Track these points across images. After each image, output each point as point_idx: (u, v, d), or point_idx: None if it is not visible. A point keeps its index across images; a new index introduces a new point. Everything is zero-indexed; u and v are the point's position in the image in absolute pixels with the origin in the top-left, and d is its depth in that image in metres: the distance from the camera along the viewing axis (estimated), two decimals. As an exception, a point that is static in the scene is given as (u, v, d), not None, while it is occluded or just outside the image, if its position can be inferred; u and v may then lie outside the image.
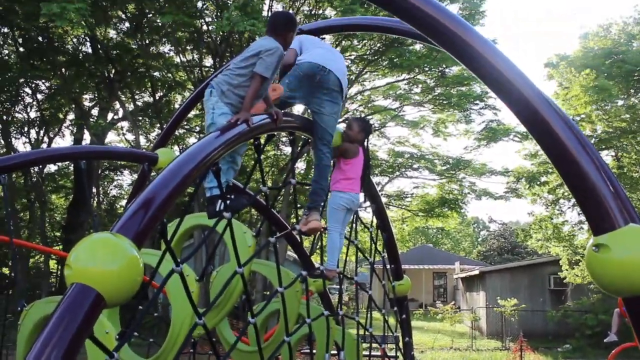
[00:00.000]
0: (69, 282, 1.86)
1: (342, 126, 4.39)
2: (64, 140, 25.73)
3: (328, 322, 4.29)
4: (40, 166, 22.51)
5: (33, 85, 22.36)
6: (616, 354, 9.97)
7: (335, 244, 4.05)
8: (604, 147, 21.56)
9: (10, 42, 21.21)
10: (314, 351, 4.85)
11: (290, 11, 19.28)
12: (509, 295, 22.11)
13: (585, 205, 2.19)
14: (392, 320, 5.88)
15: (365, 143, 4.49)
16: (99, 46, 20.40)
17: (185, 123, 24.07)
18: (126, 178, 28.97)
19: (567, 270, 20.45)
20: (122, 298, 1.92)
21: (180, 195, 2.48)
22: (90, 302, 1.82)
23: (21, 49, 20.89)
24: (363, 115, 23.71)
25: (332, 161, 4.13)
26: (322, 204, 4.00)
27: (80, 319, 1.77)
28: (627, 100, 21.03)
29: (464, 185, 24.77)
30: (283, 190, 16.20)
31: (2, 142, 23.65)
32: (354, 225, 4.73)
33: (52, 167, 25.89)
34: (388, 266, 5.81)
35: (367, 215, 17.75)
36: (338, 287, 5.65)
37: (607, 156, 23.33)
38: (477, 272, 26.06)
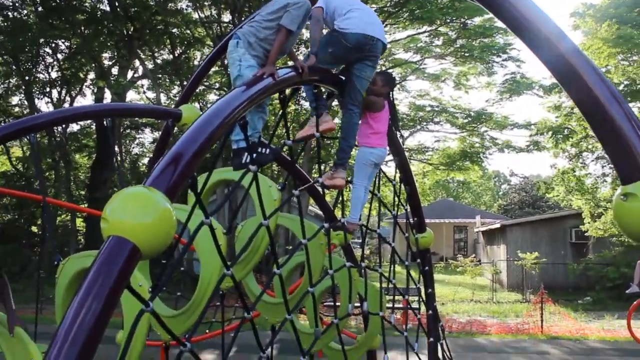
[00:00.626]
0: (105, 235, 1.92)
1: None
2: (85, 100, 25.93)
3: (350, 274, 4.35)
4: (64, 125, 22.74)
5: (53, 45, 22.42)
6: (638, 305, 10.00)
7: (360, 198, 4.09)
8: (629, 99, 21.09)
9: (29, 2, 21.19)
10: (338, 304, 4.95)
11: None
12: (530, 248, 22.13)
13: (614, 153, 2.17)
14: (414, 273, 5.95)
15: (391, 97, 4.48)
16: (117, 4, 20.30)
17: (205, 80, 24.09)
18: (147, 136, 29.21)
19: (589, 223, 20.36)
20: (157, 249, 1.97)
21: (208, 150, 2.51)
22: (126, 254, 1.87)
23: (40, 9, 20.87)
24: (384, 68, 23.48)
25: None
26: (349, 160, 4.04)
27: (118, 270, 1.83)
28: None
29: (486, 138, 24.57)
30: (304, 144, 16.21)
31: (26, 102, 23.89)
32: (377, 178, 4.74)
33: (74, 127, 26.18)
34: (411, 219, 5.85)
35: (388, 169, 17.76)
36: (360, 241, 5.74)
37: (633, 108, 22.88)
38: (498, 225, 26.07)
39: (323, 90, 4.04)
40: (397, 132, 4.99)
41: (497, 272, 23.92)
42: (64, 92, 24.62)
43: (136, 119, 24.36)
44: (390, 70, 23.23)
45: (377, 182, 4.70)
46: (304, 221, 3.80)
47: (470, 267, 23.35)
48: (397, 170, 5.36)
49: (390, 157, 5.30)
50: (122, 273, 1.85)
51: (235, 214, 3.72)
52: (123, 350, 2.20)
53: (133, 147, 30.74)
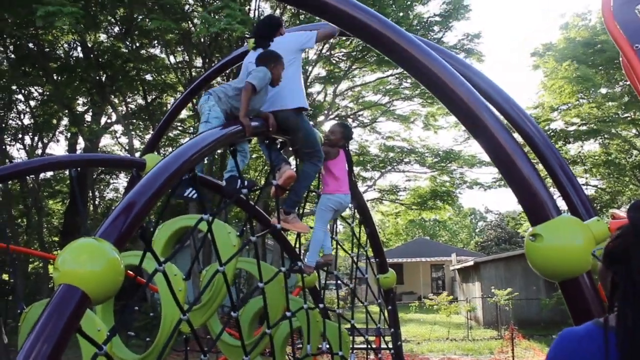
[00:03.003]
0: (56, 284, 2.09)
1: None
2: (58, 146, 26.03)
3: (308, 315, 4.50)
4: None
5: (25, 92, 22.49)
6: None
7: (319, 242, 4.28)
8: (589, 136, 21.85)
9: (1, 49, 21.35)
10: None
11: (277, 11, 19.49)
12: (504, 285, 22.39)
13: (522, 198, 2.42)
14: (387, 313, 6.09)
15: (346, 146, 4.73)
16: (90, 51, 20.56)
17: (179, 124, 24.33)
18: (122, 181, 29.15)
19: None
20: (105, 296, 2.14)
21: (158, 200, 2.70)
22: (76, 300, 2.04)
23: (12, 56, 21.03)
24: (354, 110, 23.96)
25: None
26: (299, 205, 4.27)
27: (68, 315, 2.00)
28: (610, 87, 21.32)
29: (455, 177, 25.04)
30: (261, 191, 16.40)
31: (-3, 149, 23.80)
32: (335, 223, 4.95)
33: (48, 173, 26.03)
34: (372, 260, 6.04)
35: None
36: (337, 284, 5.90)
37: (594, 143, 23.63)
38: (471, 263, 26.34)
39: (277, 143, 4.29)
40: (354, 178, 5.23)
41: (472, 309, 24.06)
42: (36, 138, 24.59)
43: (109, 164, 24.30)
44: (360, 113, 23.75)
45: (334, 226, 4.91)
46: (260, 265, 3.96)
47: (444, 305, 23.45)
48: (356, 213, 5.58)
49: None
50: (72, 318, 2.02)
51: (194, 260, 3.87)
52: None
53: (107, 193, 30.65)
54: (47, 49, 20.52)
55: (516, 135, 3.79)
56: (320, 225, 4.35)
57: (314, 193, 4.84)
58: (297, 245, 4.62)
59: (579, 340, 1.69)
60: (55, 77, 20.74)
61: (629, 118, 21.55)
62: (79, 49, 21.53)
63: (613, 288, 1.71)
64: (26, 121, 24.29)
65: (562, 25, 22.16)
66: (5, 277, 26.99)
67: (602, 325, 1.67)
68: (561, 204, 3.58)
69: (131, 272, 5.89)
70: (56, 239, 28.18)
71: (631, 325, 1.58)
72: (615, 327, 1.63)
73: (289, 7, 18.72)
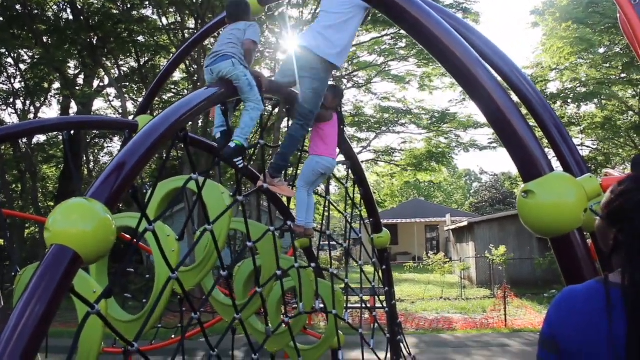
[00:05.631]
0: (48, 244, 2.08)
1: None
2: (50, 110, 25.82)
3: (299, 274, 4.53)
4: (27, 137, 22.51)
5: (15, 55, 22.18)
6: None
7: (304, 201, 4.26)
8: (586, 98, 21.76)
9: (-11, 11, 20.98)
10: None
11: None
12: (497, 245, 22.60)
13: (515, 154, 2.40)
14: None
15: (339, 108, 4.68)
16: (80, 12, 20.21)
17: (172, 87, 24.13)
18: (116, 145, 29.04)
19: (553, 217, 20.76)
20: (97, 256, 2.14)
21: (149, 160, 2.68)
22: (68, 260, 2.04)
23: (0, 18, 20.67)
24: (349, 71, 23.75)
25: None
26: (284, 169, 4.25)
27: (60, 275, 1.99)
28: (608, 49, 21.14)
29: (451, 138, 25.02)
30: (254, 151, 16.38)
31: (-11, 113, 23.63)
32: (328, 182, 4.94)
33: (41, 138, 25.91)
34: (367, 220, 6.05)
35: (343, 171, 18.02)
36: (329, 244, 5.93)
37: (591, 105, 23.56)
38: (466, 223, 26.53)
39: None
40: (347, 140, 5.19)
41: (466, 269, 24.35)
42: (28, 102, 24.36)
43: (103, 127, 24.15)
44: (355, 73, 23.54)
45: (327, 184, 4.90)
46: (249, 224, 3.97)
47: (439, 265, 23.71)
48: (350, 172, 5.57)
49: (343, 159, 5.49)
50: (64, 277, 2.02)
51: (187, 220, 3.86)
52: (70, 351, 2.34)
53: (103, 156, 30.58)
54: (36, 11, 20.15)
55: (512, 95, 3.76)
56: (303, 185, 4.32)
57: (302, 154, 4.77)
58: (288, 206, 4.61)
59: (579, 297, 1.69)
60: (45, 40, 20.43)
61: (626, 79, 21.46)
62: (69, 10, 21.17)
63: (615, 246, 1.70)
64: (17, 85, 24.07)
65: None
66: (0, 242, 27.12)
67: (603, 282, 1.66)
68: (556, 165, 3.57)
69: (127, 235, 5.91)
70: (51, 203, 28.18)
71: (638, 282, 1.57)
72: (620, 283, 1.62)
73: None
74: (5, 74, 23.51)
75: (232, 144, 3.62)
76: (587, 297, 1.67)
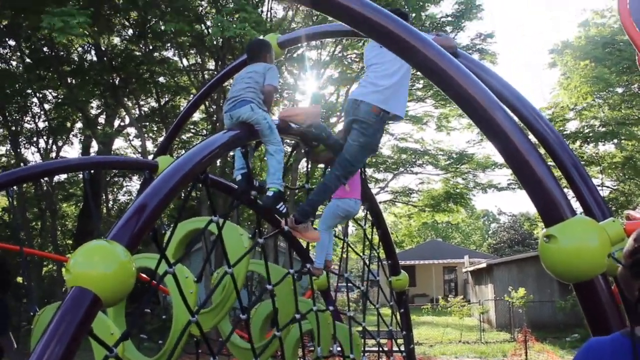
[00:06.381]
0: (69, 286, 2.09)
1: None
2: (72, 149, 26.32)
3: (317, 317, 4.49)
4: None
5: (40, 95, 22.71)
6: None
7: (325, 244, 4.24)
8: (606, 138, 21.66)
9: (16, 53, 21.57)
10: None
11: (289, 12, 19.52)
12: (516, 287, 22.21)
13: (536, 198, 2.38)
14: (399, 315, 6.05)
15: None
16: (104, 54, 20.72)
17: (192, 127, 24.46)
18: (135, 184, 29.36)
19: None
20: (117, 298, 2.14)
21: (170, 202, 2.70)
22: (88, 302, 2.04)
23: (27, 60, 21.24)
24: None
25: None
26: (312, 216, 4.18)
27: (80, 317, 2.00)
28: (627, 89, 21.13)
29: (469, 179, 24.93)
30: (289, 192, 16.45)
31: (12, 152, 24.04)
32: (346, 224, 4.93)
33: (62, 176, 26.28)
34: (385, 262, 6.00)
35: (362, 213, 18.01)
36: (347, 286, 5.87)
37: (610, 144, 23.42)
38: (484, 265, 26.18)
39: None
40: (364, 177, 5.17)
41: (485, 312, 23.93)
42: (50, 141, 24.81)
43: (123, 167, 24.46)
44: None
45: (345, 226, 4.89)
46: (269, 267, 3.95)
47: (457, 307, 23.33)
48: (369, 214, 5.55)
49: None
50: (84, 320, 2.02)
51: (205, 262, 3.86)
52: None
53: (121, 195, 30.87)
54: (62, 53, 20.71)
55: (530, 136, 3.76)
56: (325, 228, 4.28)
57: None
58: (307, 247, 4.59)
59: (605, 351, 1.64)
60: (69, 80, 20.92)
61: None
62: (93, 52, 21.71)
63: None
64: (41, 124, 24.55)
65: (581, 23, 21.98)
66: (19, 280, 27.26)
67: (630, 336, 1.61)
68: (576, 205, 3.53)
69: (144, 275, 5.92)
70: (70, 242, 28.40)
71: None
72: None
73: (301, 7, 18.77)
74: (30, 113, 24.04)
75: (269, 193, 3.62)
76: (612, 351, 1.62)
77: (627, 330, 1.63)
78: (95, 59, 21.60)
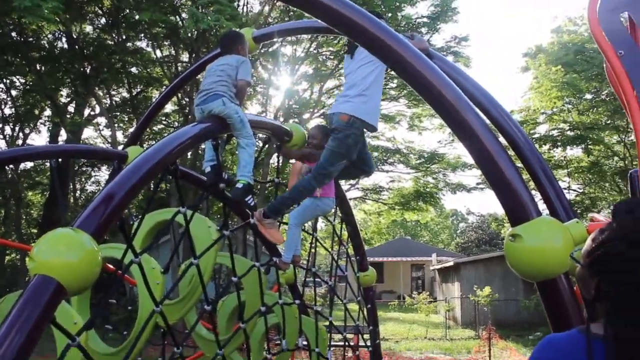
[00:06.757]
0: (32, 274, 2.06)
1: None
2: (39, 137, 25.73)
3: (283, 310, 4.50)
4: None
5: (7, 81, 22.19)
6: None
7: (294, 239, 4.24)
8: (574, 142, 22.07)
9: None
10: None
11: (266, 8, 19.44)
12: (483, 285, 22.54)
13: (503, 198, 2.42)
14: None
15: None
16: (75, 42, 20.33)
17: (164, 119, 24.18)
18: (104, 174, 28.89)
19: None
20: (82, 287, 2.11)
21: (139, 192, 2.67)
22: (51, 291, 2.01)
23: (-5, 45, 20.73)
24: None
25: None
26: (281, 215, 4.21)
27: (42, 306, 1.97)
28: (596, 95, 21.56)
29: (439, 178, 25.16)
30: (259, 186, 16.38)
31: (-23, 138, 23.49)
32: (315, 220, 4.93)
33: (28, 164, 25.73)
34: (353, 258, 6.02)
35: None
36: (314, 281, 5.89)
37: (577, 149, 23.88)
38: (451, 263, 26.49)
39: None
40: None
41: (451, 309, 24.22)
42: (17, 128, 24.28)
43: (92, 156, 24.07)
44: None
45: (315, 222, 4.89)
46: (234, 259, 3.95)
47: (424, 304, 23.57)
48: (338, 211, 5.57)
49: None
50: (46, 308, 1.99)
51: (173, 254, 3.83)
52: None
53: (89, 185, 30.35)
54: (31, 39, 20.25)
55: (500, 138, 3.81)
56: (297, 223, 4.29)
57: None
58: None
59: (561, 347, 1.67)
60: (38, 67, 20.47)
61: (611, 125, 21.84)
62: (64, 39, 21.28)
63: (597, 294, 1.69)
64: (7, 111, 23.98)
65: (555, 29, 22.38)
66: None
67: (585, 333, 1.64)
68: (542, 207, 3.60)
69: (111, 266, 5.84)
70: (35, 230, 27.83)
71: (622, 336, 1.55)
72: (603, 336, 1.60)
73: (278, 3, 18.70)
74: (-4, 100, 23.48)
75: (239, 185, 3.62)
76: (567, 348, 1.65)
77: (584, 328, 1.67)
78: (66, 46, 21.19)
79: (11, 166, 22.41)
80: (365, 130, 4.13)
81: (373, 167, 4.59)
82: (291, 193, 4.12)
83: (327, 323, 5.38)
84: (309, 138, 4.46)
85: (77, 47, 20.33)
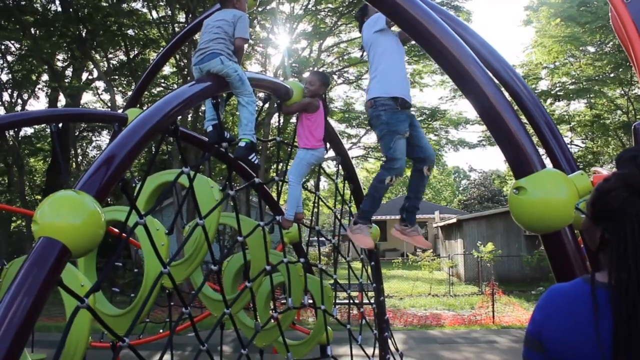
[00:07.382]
0: (36, 237, 2.05)
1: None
2: (38, 102, 25.58)
3: (288, 269, 4.52)
4: (15, 129, 22.30)
5: (2, 46, 21.94)
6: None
7: (296, 196, 4.25)
8: (577, 95, 21.88)
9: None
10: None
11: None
12: (486, 242, 22.70)
13: (507, 151, 2.40)
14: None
15: (324, 96, 4.62)
16: (69, 5, 20.01)
17: (162, 80, 23.98)
18: (104, 138, 28.83)
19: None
20: (86, 249, 2.11)
21: (140, 153, 2.65)
22: (56, 253, 2.01)
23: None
24: (339, 67, 23.74)
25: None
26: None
27: (48, 268, 1.97)
28: (599, 47, 21.27)
29: (441, 135, 25.07)
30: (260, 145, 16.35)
31: (-25, 105, 23.37)
32: (317, 177, 4.92)
33: (28, 130, 25.65)
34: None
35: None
36: (318, 240, 5.92)
37: (580, 103, 23.72)
38: (454, 220, 26.61)
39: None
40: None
41: (454, 266, 24.45)
42: (15, 94, 24.12)
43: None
44: (346, 69, 23.51)
45: (317, 180, 4.88)
46: (240, 219, 3.95)
47: (427, 261, 23.79)
48: (341, 169, 5.55)
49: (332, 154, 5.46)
50: (52, 270, 1.99)
51: (177, 215, 3.83)
52: (59, 345, 2.32)
53: (91, 150, 30.34)
54: (24, 2, 19.93)
55: (505, 93, 3.77)
56: (297, 179, 4.30)
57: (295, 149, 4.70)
58: (278, 201, 4.59)
59: (566, 296, 1.68)
60: (33, 32, 20.21)
61: (615, 78, 21.62)
62: (57, 2, 20.95)
63: (602, 244, 1.69)
64: (4, 77, 23.82)
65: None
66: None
67: (590, 282, 1.65)
68: (547, 161, 3.58)
69: (115, 229, 5.87)
70: (39, 197, 27.95)
71: (626, 283, 1.55)
72: (608, 284, 1.60)
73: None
74: (-8, 66, 23.28)
75: (242, 144, 3.60)
76: (573, 297, 1.66)
77: (588, 277, 1.67)
78: (60, 9, 20.86)
79: (12, 133, 22.37)
80: (396, 105, 4.06)
81: (431, 154, 4.43)
82: (370, 192, 4.22)
83: (331, 281, 5.43)
84: (306, 84, 4.41)
85: (71, 10, 20.02)
